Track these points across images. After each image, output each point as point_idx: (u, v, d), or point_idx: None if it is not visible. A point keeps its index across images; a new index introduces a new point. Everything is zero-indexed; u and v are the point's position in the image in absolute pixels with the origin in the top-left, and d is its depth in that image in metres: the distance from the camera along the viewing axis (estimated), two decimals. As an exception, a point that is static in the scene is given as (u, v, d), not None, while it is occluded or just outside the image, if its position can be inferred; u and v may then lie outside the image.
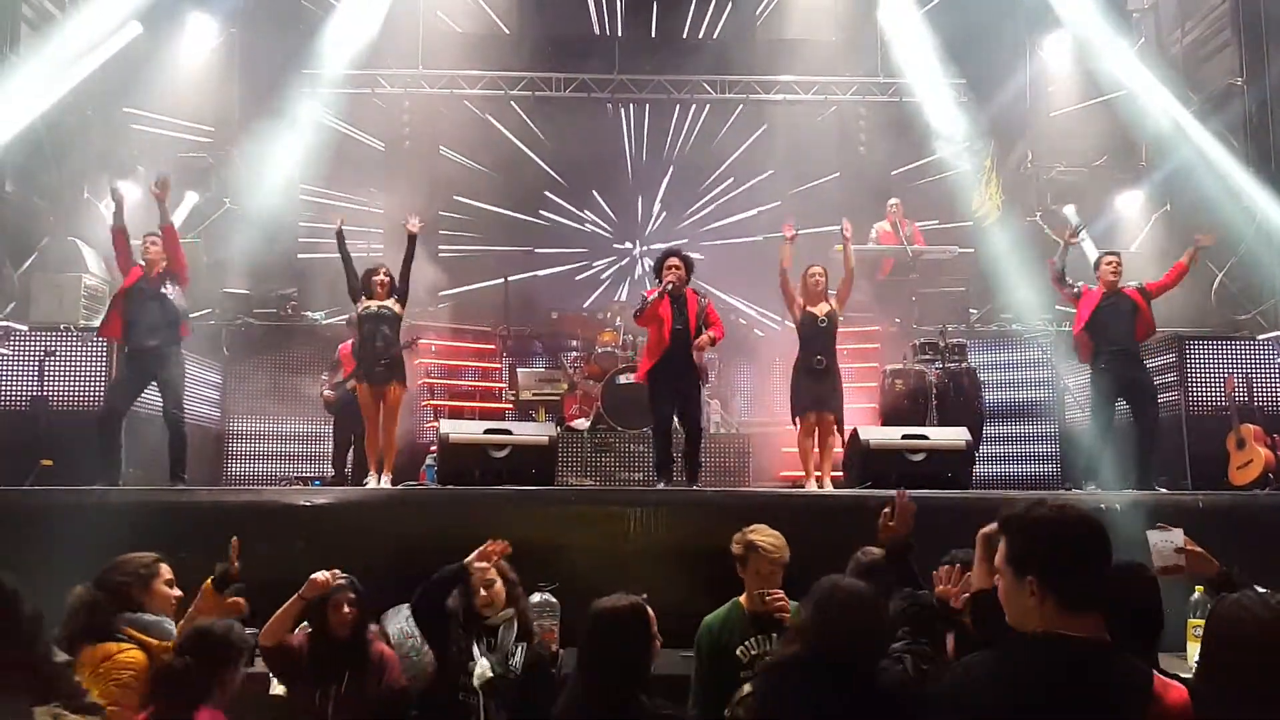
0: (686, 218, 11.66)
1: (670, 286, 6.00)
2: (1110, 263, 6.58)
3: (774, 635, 3.36)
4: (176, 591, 3.19)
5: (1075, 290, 6.67)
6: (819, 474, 6.31)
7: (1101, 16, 9.64)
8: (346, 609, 3.60)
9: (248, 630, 4.01)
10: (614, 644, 2.80)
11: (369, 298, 6.44)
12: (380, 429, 6.34)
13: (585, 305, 10.65)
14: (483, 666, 3.40)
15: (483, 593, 3.55)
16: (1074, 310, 6.78)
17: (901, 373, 7.35)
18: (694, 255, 6.60)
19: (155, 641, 3.02)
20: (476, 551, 3.55)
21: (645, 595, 3.06)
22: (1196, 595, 4.09)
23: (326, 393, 7.61)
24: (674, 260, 6.12)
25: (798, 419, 6.35)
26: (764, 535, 3.51)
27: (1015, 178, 10.60)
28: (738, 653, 3.35)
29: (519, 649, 3.52)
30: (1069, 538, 1.82)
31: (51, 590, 4.40)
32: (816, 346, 6.37)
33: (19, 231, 8.95)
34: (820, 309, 6.41)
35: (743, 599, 3.49)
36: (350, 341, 7.55)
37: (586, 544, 4.86)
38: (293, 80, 10.31)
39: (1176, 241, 9.30)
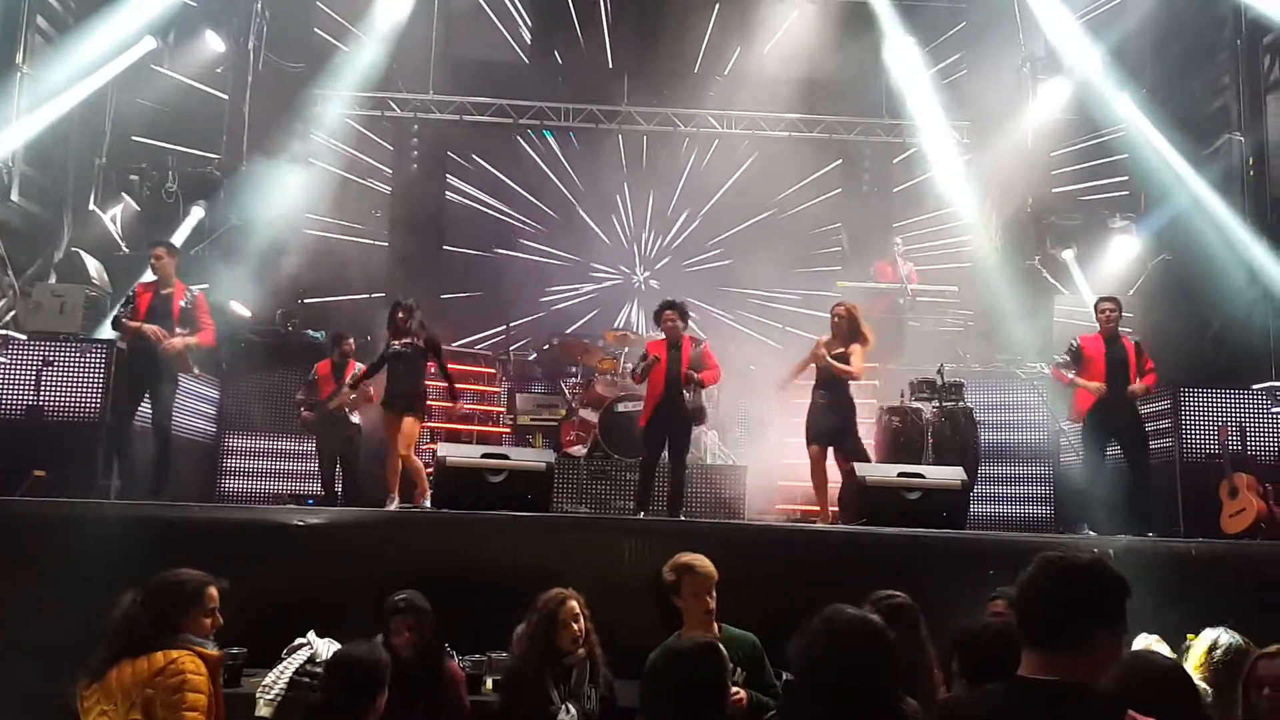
0: (688, 247, 11.76)
1: (656, 360, 6.29)
2: (1104, 309, 6.62)
3: None
4: (214, 620, 3.10)
5: (1074, 349, 6.69)
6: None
7: (1103, 64, 9.81)
8: (407, 633, 3.56)
9: (235, 649, 4.02)
10: (691, 692, 2.60)
11: (395, 334, 6.53)
12: (393, 454, 6.41)
13: (586, 332, 10.69)
14: (570, 717, 3.36)
15: (574, 626, 3.51)
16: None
17: (898, 410, 7.38)
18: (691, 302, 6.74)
19: (207, 651, 2.96)
20: None
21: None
22: (1188, 642, 4.09)
23: (305, 414, 7.61)
24: (670, 314, 6.39)
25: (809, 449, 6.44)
26: (693, 557, 3.59)
27: (1014, 221, 10.71)
28: None
29: (591, 691, 3.49)
30: (1026, 581, 1.91)
31: (43, 602, 4.41)
32: (821, 383, 6.49)
33: (23, 240, 8.98)
34: (833, 348, 6.49)
35: (683, 631, 3.46)
36: (330, 359, 7.58)
37: (581, 571, 4.79)
38: (303, 100, 10.43)
39: (1175, 288, 9.40)
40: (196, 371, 6.61)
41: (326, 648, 4.26)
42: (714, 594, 3.54)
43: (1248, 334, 8.66)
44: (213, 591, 3.07)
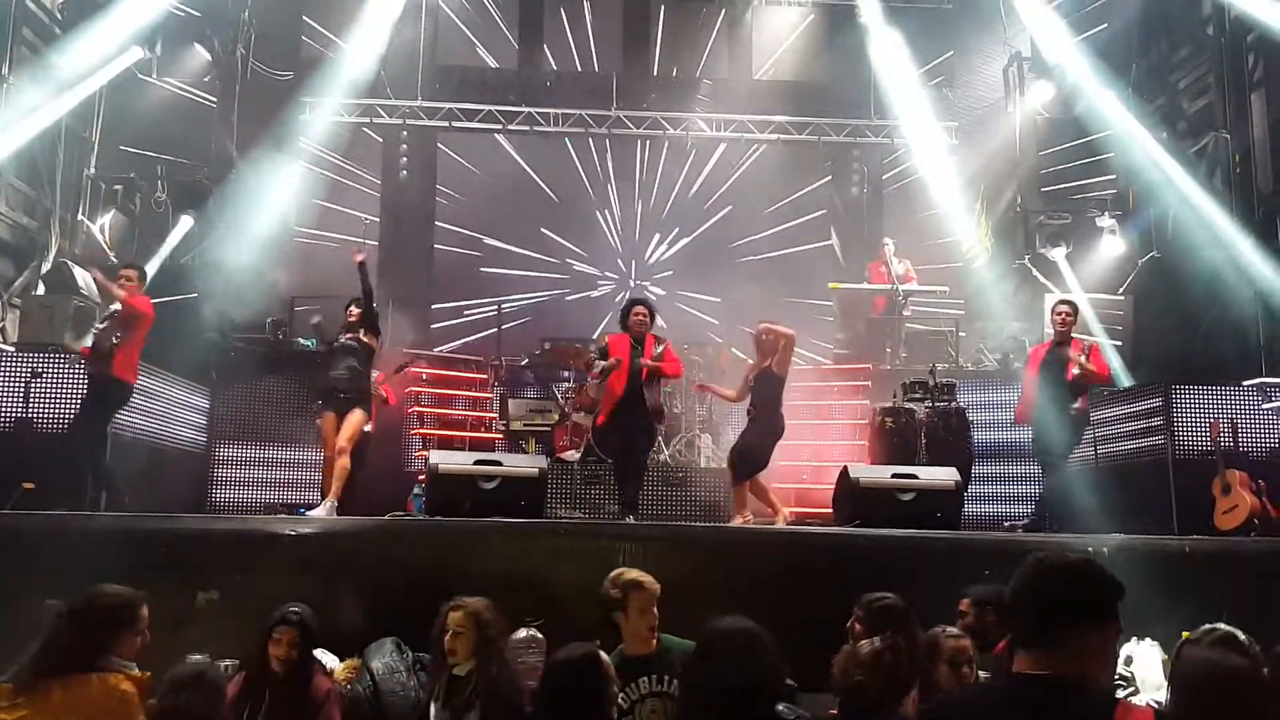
0: (679, 250, 11.76)
1: (617, 363, 6.30)
2: (1060, 312, 6.67)
3: (652, 677, 3.38)
4: (144, 638, 3.07)
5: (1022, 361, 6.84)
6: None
7: (1090, 63, 9.86)
8: (288, 647, 3.47)
9: (226, 661, 3.99)
10: (567, 700, 2.68)
11: (344, 330, 6.53)
12: (335, 452, 6.23)
13: (578, 336, 10.67)
14: None
15: (451, 642, 3.45)
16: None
17: (891, 411, 7.38)
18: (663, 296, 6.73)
19: (136, 673, 2.94)
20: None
21: (599, 642, 3.02)
22: (1182, 639, 4.09)
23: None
24: (639, 309, 6.44)
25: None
26: (639, 573, 3.55)
27: (1004, 220, 10.75)
28: (619, 700, 3.30)
29: (476, 702, 3.35)
30: (1014, 582, 1.98)
31: (33, 614, 4.37)
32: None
33: (11, 252, 8.94)
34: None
35: (623, 646, 3.47)
36: None
37: (575, 578, 4.80)
38: (291, 108, 10.41)
39: (1165, 286, 9.44)
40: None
41: (320, 657, 4.23)
42: (656, 610, 3.50)
43: (1238, 331, 8.70)
44: (144, 612, 3.04)
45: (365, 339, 6.47)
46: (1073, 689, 1.85)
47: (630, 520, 6.23)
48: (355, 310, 6.53)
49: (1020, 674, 1.90)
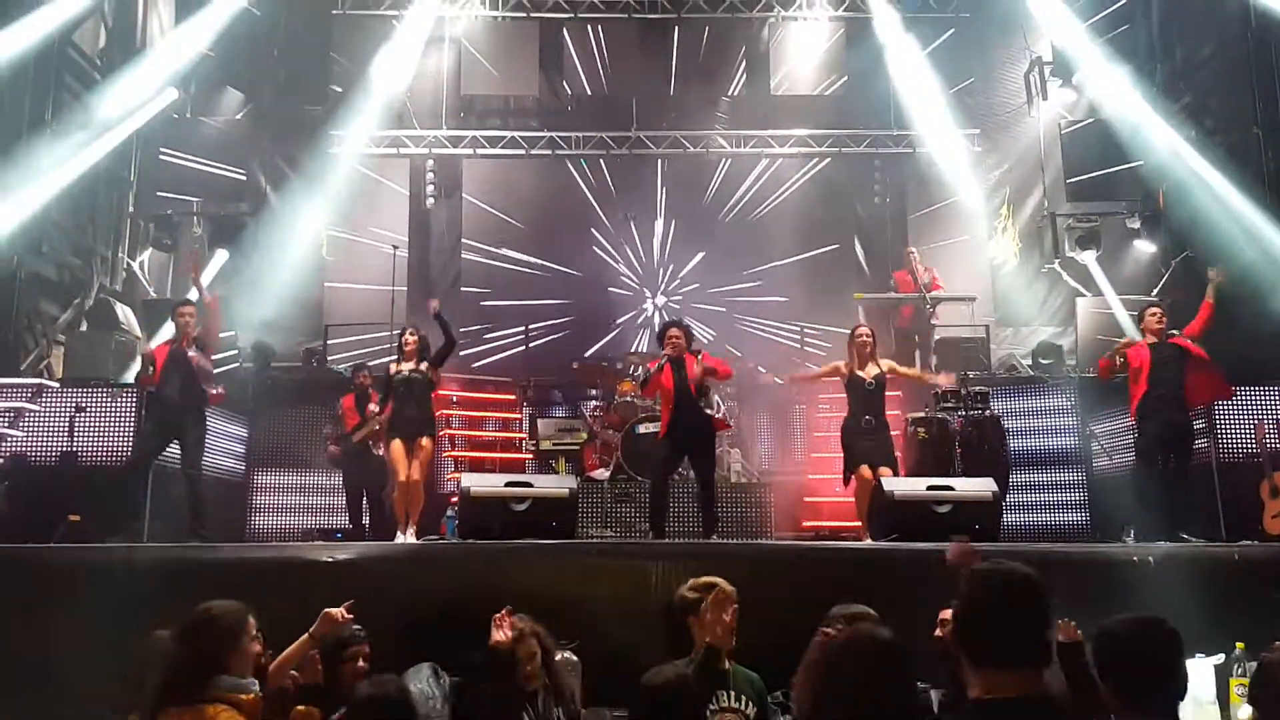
0: (703, 268, 11.77)
1: (666, 358, 6.31)
2: (1154, 314, 6.57)
3: (730, 693, 3.35)
4: (258, 647, 3.05)
5: (1121, 360, 6.53)
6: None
7: (1116, 63, 9.75)
8: (362, 663, 3.59)
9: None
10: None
11: (400, 360, 6.64)
12: (409, 482, 6.42)
13: (605, 355, 10.71)
14: None
15: (528, 669, 3.53)
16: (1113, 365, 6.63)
17: (924, 421, 7.30)
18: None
19: (243, 697, 2.85)
20: (497, 626, 3.46)
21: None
22: (1237, 651, 3.97)
23: (331, 448, 7.65)
24: (674, 332, 6.45)
25: (851, 475, 6.36)
26: (714, 578, 3.52)
27: (1032, 224, 10.62)
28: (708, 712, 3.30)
29: (557, 713, 3.49)
30: (972, 598, 1.83)
31: (76, 645, 4.46)
32: (865, 408, 6.40)
33: (55, 290, 9.19)
34: (868, 372, 6.44)
35: (695, 655, 3.42)
36: (353, 394, 7.64)
37: (608, 598, 4.81)
38: (320, 141, 10.63)
39: (1198, 288, 9.24)
40: (220, 389, 6.63)
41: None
42: (732, 616, 3.46)
43: (1278, 329, 8.48)
44: (251, 620, 2.99)
45: (426, 371, 6.63)
46: (1056, 706, 1.75)
47: (715, 539, 6.22)
48: (411, 338, 6.65)
49: (984, 700, 1.74)
